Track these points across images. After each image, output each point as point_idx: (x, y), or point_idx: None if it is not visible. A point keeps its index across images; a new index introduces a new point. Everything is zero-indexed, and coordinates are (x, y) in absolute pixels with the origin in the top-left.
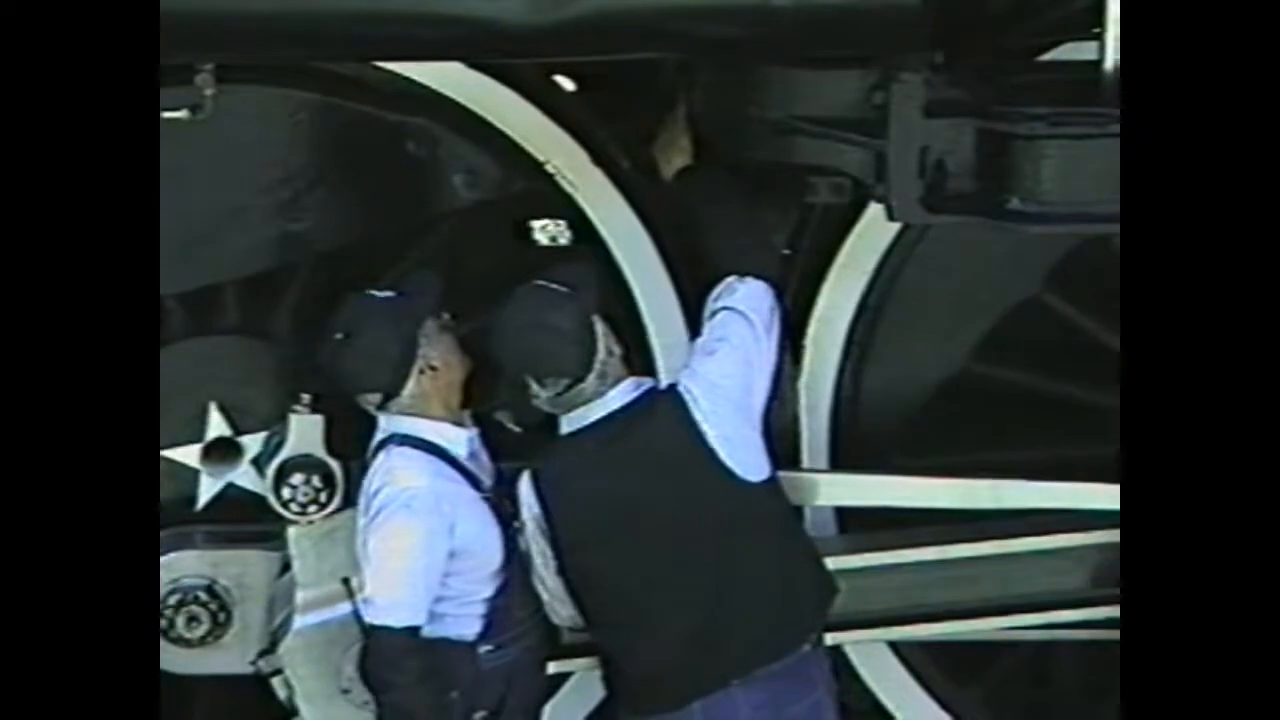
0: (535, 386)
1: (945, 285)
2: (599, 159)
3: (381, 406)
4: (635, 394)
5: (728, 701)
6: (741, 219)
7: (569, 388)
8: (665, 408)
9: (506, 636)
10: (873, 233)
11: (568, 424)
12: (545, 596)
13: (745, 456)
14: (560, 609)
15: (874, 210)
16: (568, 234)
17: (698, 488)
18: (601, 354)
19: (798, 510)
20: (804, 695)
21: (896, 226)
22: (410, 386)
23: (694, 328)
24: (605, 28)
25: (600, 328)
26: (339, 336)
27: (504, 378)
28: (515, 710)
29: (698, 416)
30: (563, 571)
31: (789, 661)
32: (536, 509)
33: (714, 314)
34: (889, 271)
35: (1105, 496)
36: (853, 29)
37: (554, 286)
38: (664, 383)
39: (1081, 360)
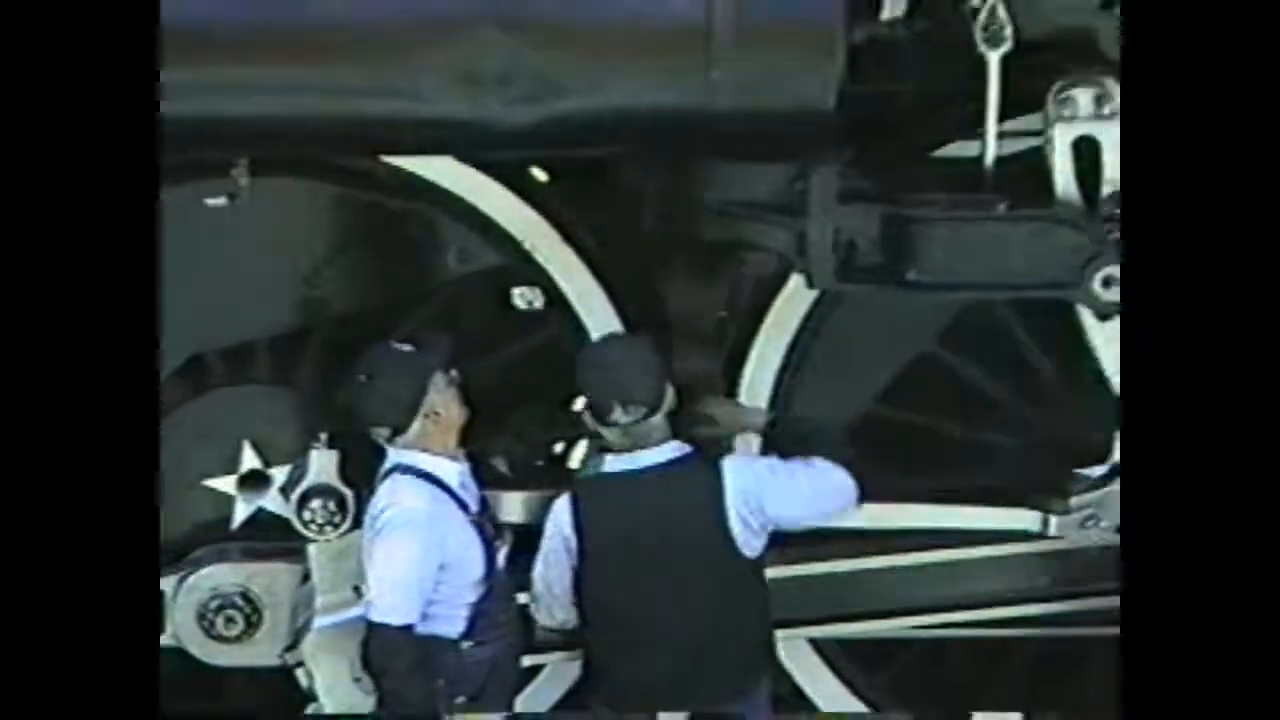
0: (618, 412)
1: (855, 342)
2: (568, 237)
3: (390, 440)
4: (678, 454)
5: None
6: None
7: (644, 418)
8: (702, 476)
9: (488, 635)
10: (795, 298)
11: (615, 463)
12: (548, 600)
13: (748, 539)
14: (559, 613)
15: (796, 280)
16: (541, 299)
17: (704, 550)
18: (669, 400)
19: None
20: None
21: (815, 293)
22: (415, 426)
23: None
24: (571, 128)
25: (669, 381)
26: (361, 378)
27: (589, 403)
28: (494, 697)
29: (728, 499)
30: (577, 583)
31: (745, 696)
32: (569, 529)
33: (796, 457)
34: (809, 331)
35: (990, 518)
36: (778, 130)
37: (639, 337)
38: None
39: (966, 404)
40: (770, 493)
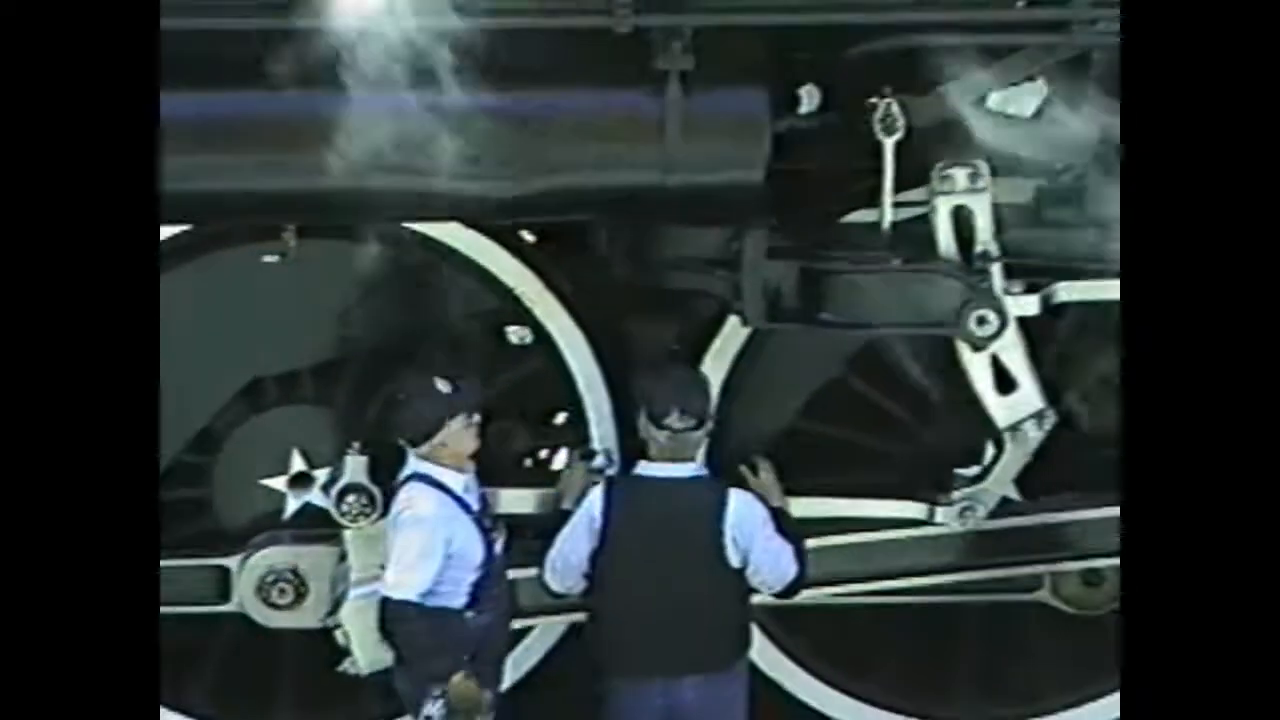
0: (674, 416)
1: (780, 369)
2: (551, 286)
3: (411, 446)
4: (699, 474)
5: (678, 687)
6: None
7: (692, 429)
8: (713, 497)
9: (485, 606)
10: (732, 335)
11: (649, 469)
12: (562, 569)
13: (734, 553)
14: (568, 580)
15: (733, 320)
16: (530, 336)
17: (701, 552)
18: (710, 422)
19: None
20: (725, 701)
21: (748, 330)
22: (427, 447)
23: (616, 403)
24: (553, 200)
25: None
26: (400, 396)
27: (649, 409)
28: (488, 658)
29: (727, 520)
30: (592, 560)
31: (718, 676)
32: (597, 512)
33: (774, 538)
34: (744, 360)
35: (888, 509)
36: (718, 201)
37: (695, 369)
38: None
39: (869, 419)
40: (756, 540)
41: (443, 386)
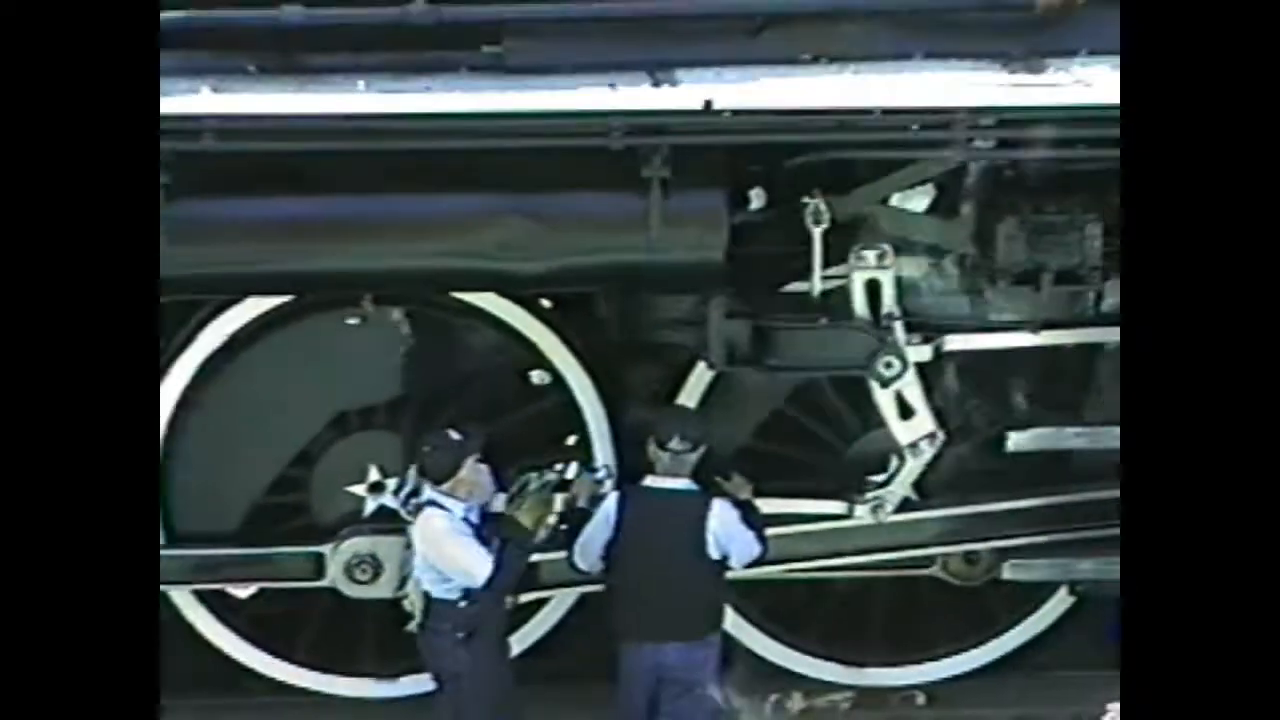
0: (676, 441)
1: (737, 402)
2: (564, 340)
3: (435, 484)
4: (691, 488)
5: (663, 651)
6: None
7: (688, 451)
8: (697, 504)
9: (483, 595)
10: (701, 376)
11: (654, 481)
12: (585, 553)
13: (713, 549)
14: (588, 561)
15: (701, 365)
16: (548, 379)
17: (688, 546)
18: (703, 449)
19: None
20: (699, 661)
21: (713, 373)
22: (448, 485)
23: (614, 428)
24: (566, 275)
25: (706, 439)
26: (425, 449)
27: (656, 436)
28: (489, 634)
29: (710, 522)
30: (607, 548)
31: (695, 643)
32: (612, 511)
33: (746, 529)
34: (711, 396)
35: (819, 507)
36: (690, 275)
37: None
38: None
39: (803, 439)
40: (733, 538)
41: (455, 436)
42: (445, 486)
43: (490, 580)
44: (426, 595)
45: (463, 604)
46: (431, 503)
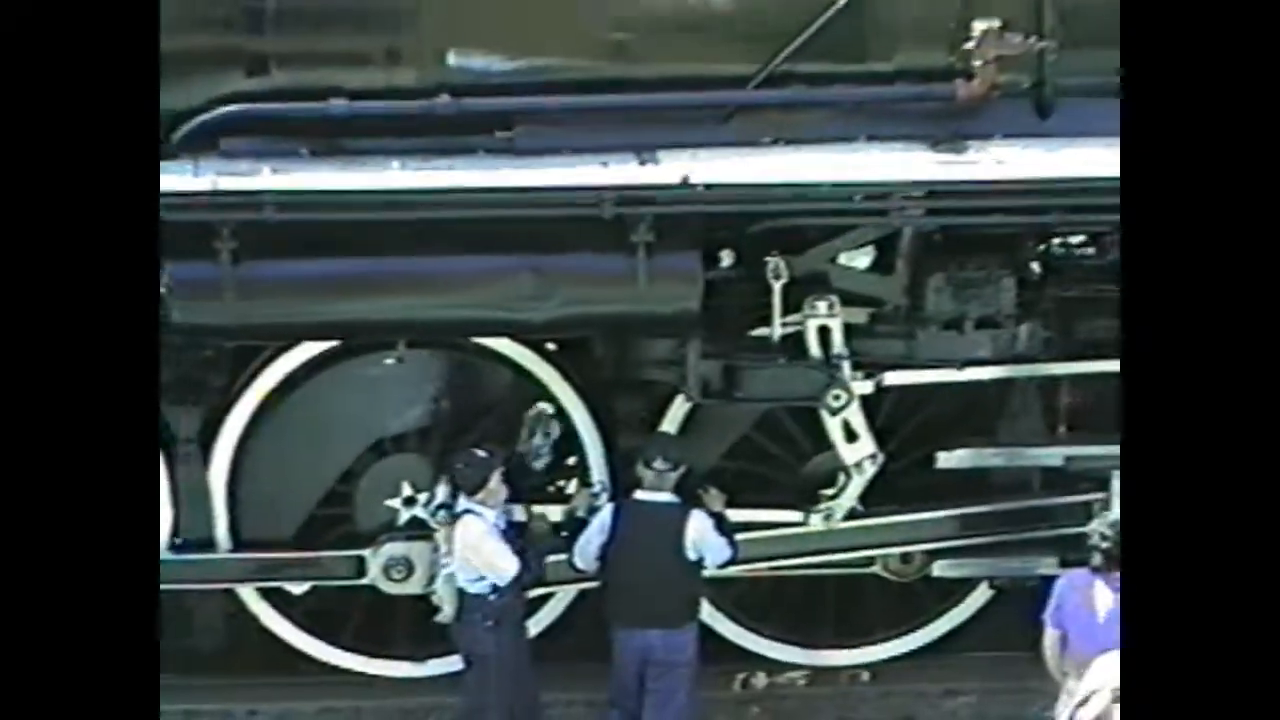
0: (660, 462)
1: (709, 427)
2: (566, 377)
3: (469, 494)
4: (672, 500)
5: (647, 636)
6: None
7: (670, 470)
8: (678, 515)
9: (509, 589)
10: (680, 407)
11: (642, 495)
12: (583, 554)
13: (690, 552)
14: (586, 562)
15: (680, 397)
16: (553, 409)
17: (666, 549)
18: (682, 469)
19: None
20: (679, 645)
21: (690, 404)
22: (480, 496)
23: (608, 451)
24: (569, 323)
25: (686, 463)
26: (459, 466)
27: (643, 457)
28: (511, 621)
29: (688, 530)
30: (602, 550)
31: (675, 630)
32: (608, 520)
33: (719, 535)
34: (688, 424)
35: (778, 515)
36: (671, 323)
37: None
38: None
39: (765, 459)
40: (708, 543)
41: (482, 454)
42: (478, 497)
43: (517, 577)
44: (461, 590)
45: (492, 597)
46: (469, 511)
